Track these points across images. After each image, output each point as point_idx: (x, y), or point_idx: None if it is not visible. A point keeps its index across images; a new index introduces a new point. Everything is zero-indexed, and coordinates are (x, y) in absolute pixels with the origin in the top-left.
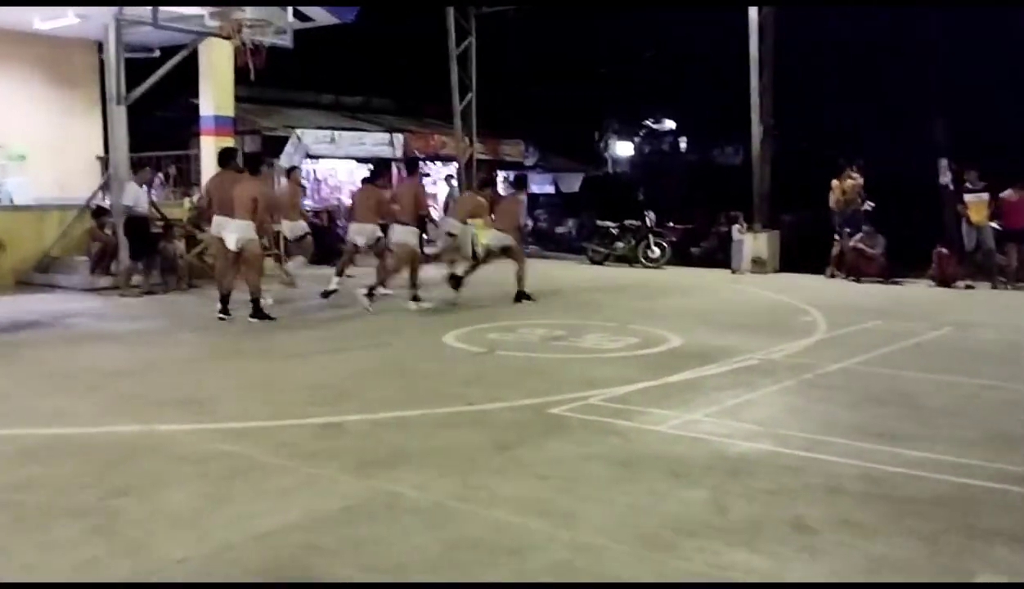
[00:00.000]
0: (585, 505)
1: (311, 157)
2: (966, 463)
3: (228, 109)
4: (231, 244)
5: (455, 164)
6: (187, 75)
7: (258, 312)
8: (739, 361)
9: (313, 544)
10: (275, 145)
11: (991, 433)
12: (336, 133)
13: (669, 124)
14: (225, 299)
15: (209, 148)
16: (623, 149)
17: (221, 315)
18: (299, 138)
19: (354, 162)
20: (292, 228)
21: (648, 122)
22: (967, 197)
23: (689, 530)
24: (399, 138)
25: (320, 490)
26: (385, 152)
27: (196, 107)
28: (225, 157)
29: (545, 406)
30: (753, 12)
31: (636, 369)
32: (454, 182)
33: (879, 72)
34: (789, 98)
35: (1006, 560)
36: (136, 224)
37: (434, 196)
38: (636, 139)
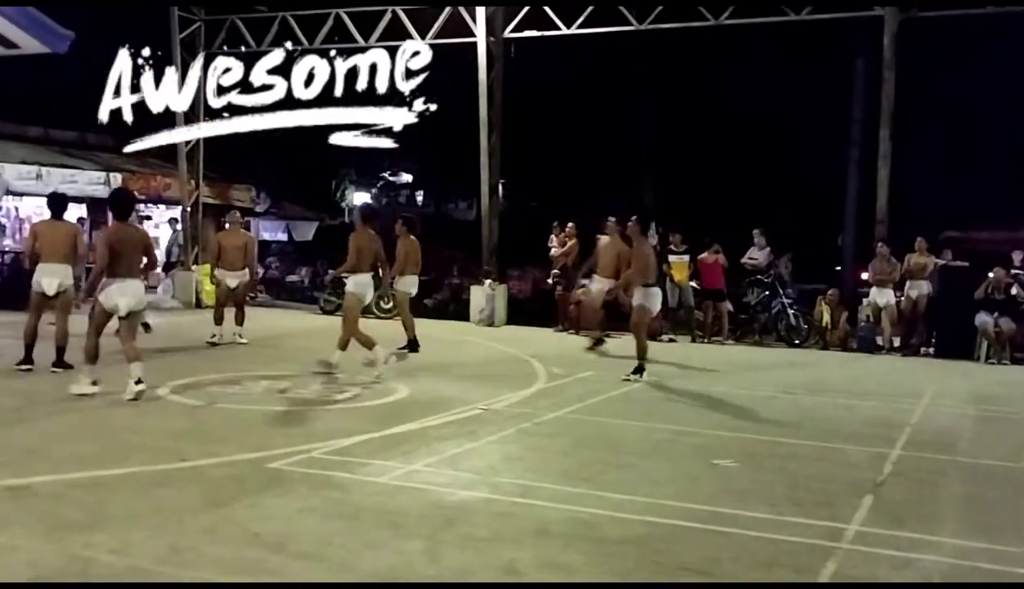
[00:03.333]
0: (297, 561)
1: (13, 194)
2: (660, 503)
3: None
4: None
5: (179, 207)
6: None
7: None
8: (463, 411)
9: None
10: None
11: (683, 475)
12: (44, 169)
13: (406, 177)
14: None
15: None
16: (360, 199)
17: None
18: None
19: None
20: None
21: (386, 174)
22: (671, 258)
23: (401, 580)
24: (117, 177)
25: (0, 559)
26: (101, 192)
27: None
28: None
29: (265, 460)
30: (483, 75)
31: (361, 420)
32: (178, 226)
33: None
34: (521, 157)
35: None
36: None
37: (156, 240)
38: (374, 190)
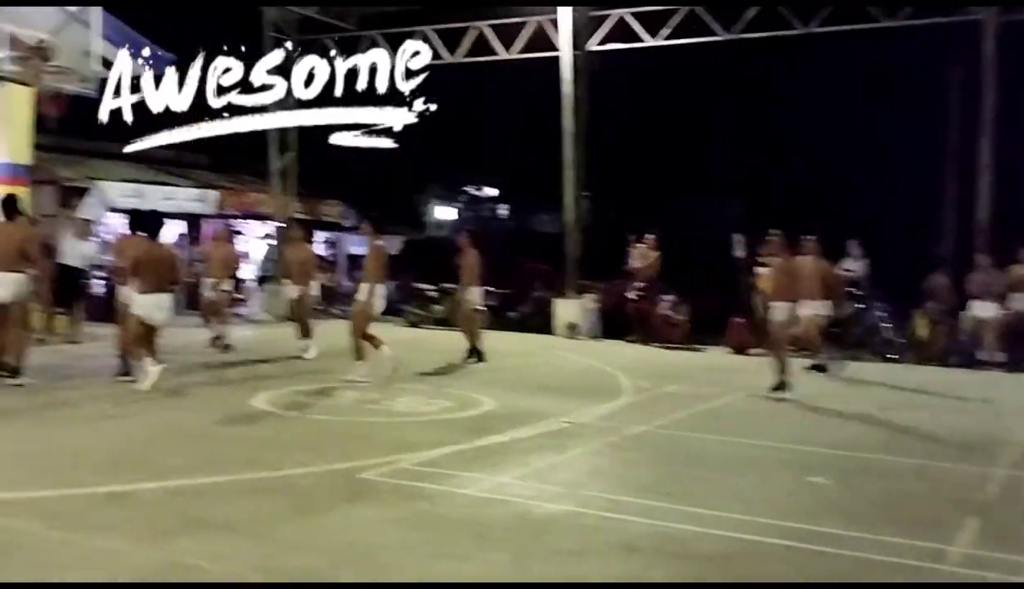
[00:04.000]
0: (385, 572)
1: (115, 211)
2: (750, 520)
3: (24, 157)
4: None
5: (272, 223)
6: None
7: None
8: (549, 424)
9: None
10: (75, 197)
11: (773, 491)
12: (142, 187)
13: (490, 191)
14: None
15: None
16: (445, 214)
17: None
18: (99, 190)
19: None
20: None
21: (470, 188)
22: (759, 270)
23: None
24: (212, 194)
25: (106, 565)
26: (197, 208)
27: None
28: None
29: (354, 471)
30: (567, 88)
31: (448, 432)
32: (271, 241)
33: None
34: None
35: None
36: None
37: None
38: (458, 204)
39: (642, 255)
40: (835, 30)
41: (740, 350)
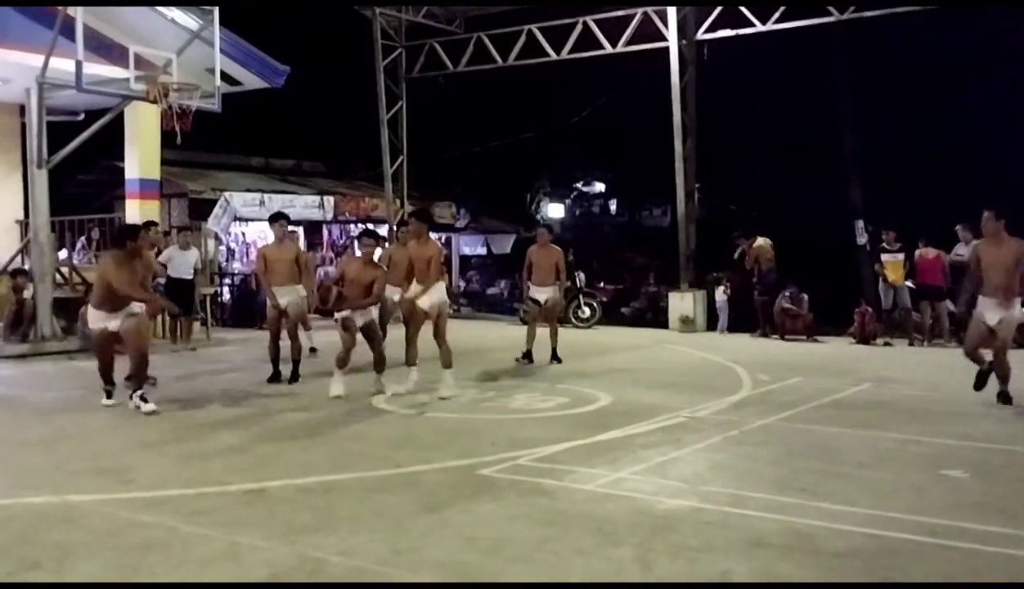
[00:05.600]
0: (512, 566)
1: (240, 220)
2: (883, 516)
3: (154, 172)
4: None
5: (386, 226)
6: (111, 137)
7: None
8: (667, 419)
9: None
10: (203, 208)
11: (908, 487)
12: (266, 196)
13: (599, 186)
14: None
15: (134, 211)
16: (554, 210)
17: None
18: (227, 200)
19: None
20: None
21: (579, 184)
22: (884, 257)
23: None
24: (329, 200)
25: (242, 559)
26: (315, 215)
27: (119, 169)
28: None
29: (474, 467)
30: (675, 79)
31: (565, 429)
32: (387, 245)
33: (800, 136)
34: (717, 160)
35: None
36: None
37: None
38: (567, 201)
39: (756, 251)
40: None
41: (864, 340)
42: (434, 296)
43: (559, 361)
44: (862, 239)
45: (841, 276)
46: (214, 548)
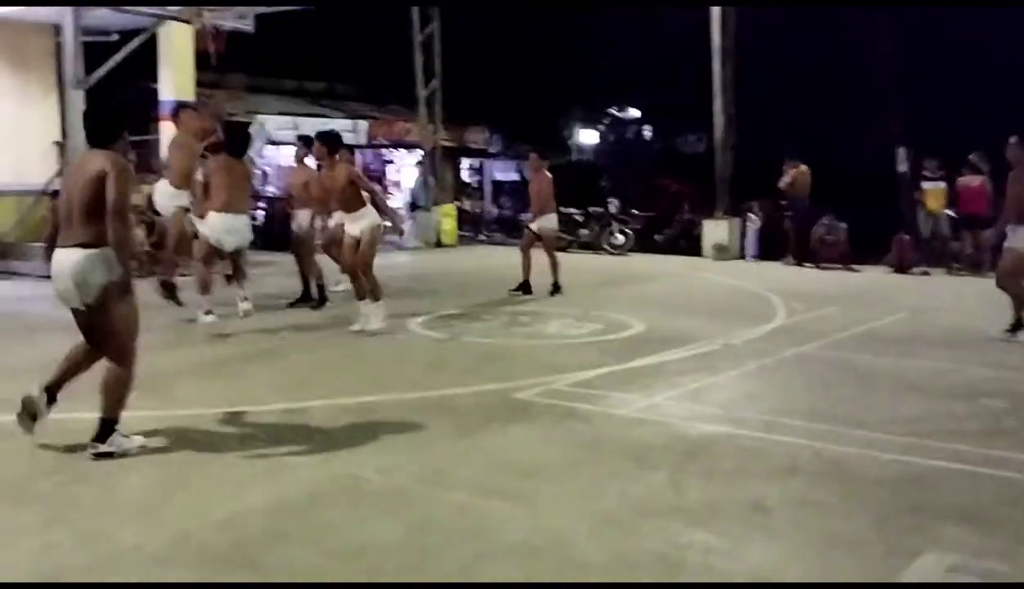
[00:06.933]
0: (546, 487)
1: (273, 143)
2: (917, 444)
3: (188, 94)
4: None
5: (420, 151)
6: (145, 59)
7: None
8: (701, 346)
9: (274, 529)
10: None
11: (942, 415)
12: (298, 119)
13: (634, 113)
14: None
15: (168, 133)
16: (588, 137)
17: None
18: (261, 123)
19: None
20: None
21: (613, 110)
22: (925, 185)
23: (649, 511)
24: (363, 124)
25: (281, 476)
26: (349, 139)
27: (154, 91)
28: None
29: (509, 391)
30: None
31: (599, 354)
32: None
33: (838, 60)
34: (751, 87)
35: (954, 537)
36: None
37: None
38: (601, 127)
39: (794, 176)
40: None
41: (902, 269)
42: (362, 223)
43: (559, 291)
44: (903, 167)
45: (879, 204)
46: (253, 465)
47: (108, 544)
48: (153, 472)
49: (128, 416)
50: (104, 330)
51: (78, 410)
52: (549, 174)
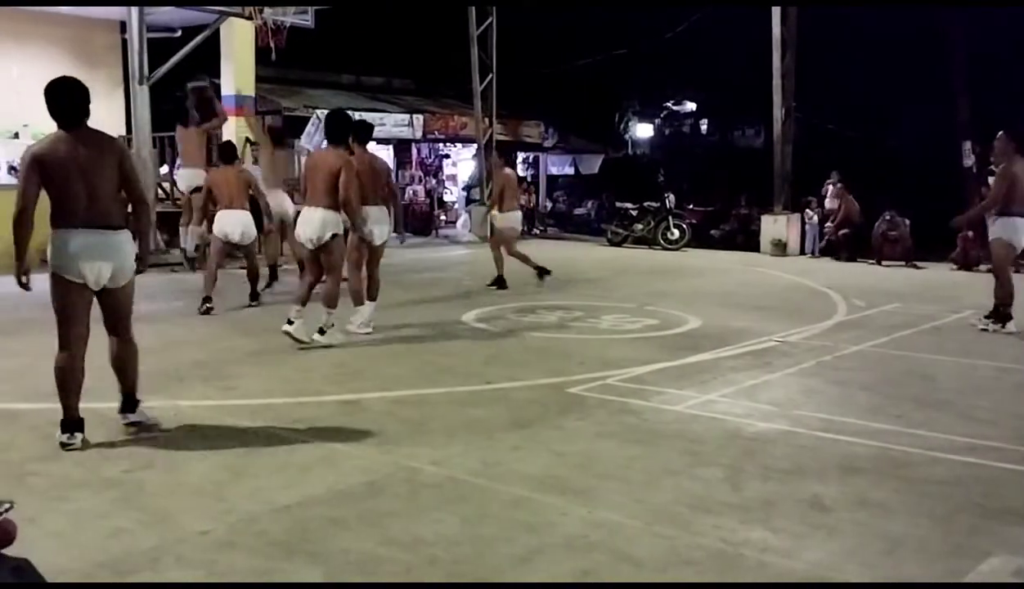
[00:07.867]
0: (601, 482)
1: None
2: (981, 444)
3: (249, 89)
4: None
5: (475, 145)
6: (208, 55)
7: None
8: (757, 343)
9: (334, 517)
10: (296, 125)
11: (1007, 415)
12: (356, 114)
13: (690, 106)
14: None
15: (230, 127)
16: (643, 130)
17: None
18: (319, 118)
19: (374, 143)
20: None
21: (669, 104)
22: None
23: (704, 507)
24: (419, 119)
25: (340, 465)
26: (405, 133)
27: (215, 86)
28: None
29: (563, 385)
30: None
31: (654, 350)
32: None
33: (903, 54)
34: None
35: (1019, 539)
36: None
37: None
38: (656, 120)
39: (835, 196)
40: None
41: (966, 266)
42: (315, 225)
43: (503, 286)
44: (968, 161)
45: (945, 200)
46: (313, 454)
47: (174, 529)
48: (217, 459)
49: (190, 405)
50: (127, 310)
51: (142, 399)
52: (511, 172)
